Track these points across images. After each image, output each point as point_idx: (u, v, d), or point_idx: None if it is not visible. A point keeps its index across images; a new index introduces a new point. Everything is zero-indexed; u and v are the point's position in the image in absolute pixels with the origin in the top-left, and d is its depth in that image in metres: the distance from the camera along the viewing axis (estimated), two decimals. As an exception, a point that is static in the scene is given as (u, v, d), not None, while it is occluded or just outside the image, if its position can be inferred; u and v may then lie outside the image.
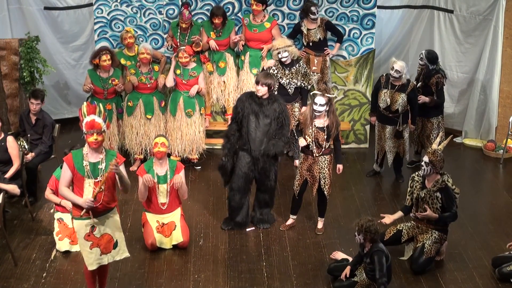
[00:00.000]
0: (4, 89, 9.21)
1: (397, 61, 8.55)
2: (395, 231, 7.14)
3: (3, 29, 9.83)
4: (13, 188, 7.41)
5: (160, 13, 9.62)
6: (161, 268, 6.98)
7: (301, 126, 7.41)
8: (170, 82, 8.95)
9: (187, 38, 9.29)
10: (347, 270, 6.57)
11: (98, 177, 5.80)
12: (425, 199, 6.93)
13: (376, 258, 6.25)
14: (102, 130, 5.79)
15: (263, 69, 9.15)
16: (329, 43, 9.60)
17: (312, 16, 9.30)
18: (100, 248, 5.98)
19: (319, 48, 9.47)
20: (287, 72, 8.76)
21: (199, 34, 9.37)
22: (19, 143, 8.16)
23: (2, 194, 7.02)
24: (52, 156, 8.60)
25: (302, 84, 8.84)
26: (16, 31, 9.95)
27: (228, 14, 9.49)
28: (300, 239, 7.57)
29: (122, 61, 9.20)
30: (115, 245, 6.06)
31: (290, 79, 8.76)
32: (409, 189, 7.13)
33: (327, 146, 7.33)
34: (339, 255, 7.09)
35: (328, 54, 9.52)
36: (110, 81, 8.86)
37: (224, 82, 9.58)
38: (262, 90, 7.34)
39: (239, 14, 9.67)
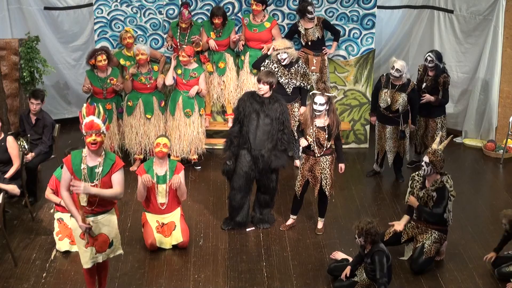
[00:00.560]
0: (4, 89, 9.21)
1: (398, 61, 8.54)
2: (394, 232, 7.13)
3: (3, 29, 9.83)
4: (13, 188, 7.42)
5: (160, 13, 9.62)
6: (161, 268, 6.98)
7: (302, 127, 7.40)
8: (169, 81, 8.94)
9: (187, 38, 9.29)
10: (348, 270, 6.57)
11: (94, 181, 5.77)
12: (423, 198, 6.93)
13: (377, 258, 6.25)
14: (101, 131, 5.76)
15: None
16: (327, 43, 9.60)
17: (309, 16, 9.30)
18: (96, 248, 5.99)
19: (317, 47, 9.47)
20: (286, 72, 8.76)
21: (199, 34, 9.37)
22: (19, 143, 8.16)
23: (2, 194, 7.02)
24: (52, 156, 8.60)
25: (302, 84, 8.84)
26: (16, 31, 9.95)
27: (228, 14, 9.48)
28: (300, 239, 7.57)
29: (122, 62, 9.20)
30: (110, 245, 6.06)
31: (289, 79, 8.76)
32: (409, 189, 7.13)
33: (328, 146, 7.33)
34: (339, 255, 7.09)
35: (326, 53, 9.53)
36: (108, 81, 8.86)
37: (224, 82, 9.58)
38: (263, 89, 7.35)
39: (239, 14, 9.67)
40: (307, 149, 7.37)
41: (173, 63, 8.94)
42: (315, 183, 7.43)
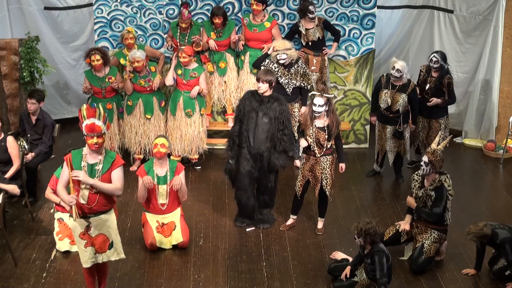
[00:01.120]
0: (4, 89, 9.21)
1: (398, 61, 8.54)
2: (394, 232, 7.14)
3: (3, 29, 9.82)
4: (13, 188, 7.41)
5: (160, 13, 9.62)
6: (161, 268, 6.98)
7: (302, 127, 7.40)
8: (169, 81, 8.94)
9: (187, 38, 9.29)
10: (348, 270, 6.57)
11: (94, 178, 5.79)
12: (422, 198, 6.94)
13: (377, 258, 6.25)
14: (103, 132, 5.80)
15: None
16: (327, 43, 9.60)
17: (310, 16, 9.30)
18: (95, 248, 5.99)
19: (318, 47, 9.47)
20: (286, 72, 8.75)
21: (199, 34, 9.37)
22: (19, 143, 8.16)
23: (2, 194, 7.02)
24: (52, 156, 8.60)
25: (302, 84, 8.83)
26: (16, 31, 9.95)
27: (228, 14, 9.48)
28: (300, 239, 7.57)
29: (122, 61, 9.20)
30: (111, 246, 6.07)
31: (289, 79, 8.75)
32: (412, 190, 7.13)
33: (328, 146, 7.33)
34: (339, 255, 7.09)
35: (326, 53, 9.53)
36: (106, 80, 8.86)
37: (225, 82, 9.58)
38: (263, 87, 7.35)
39: (239, 14, 9.67)
40: (308, 149, 7.38)
41: (174, 62, 8.94)
42: (315, 183, 7.43)
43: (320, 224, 7.74)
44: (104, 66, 8.83)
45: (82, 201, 5.81)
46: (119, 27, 9.59)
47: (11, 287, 6.62)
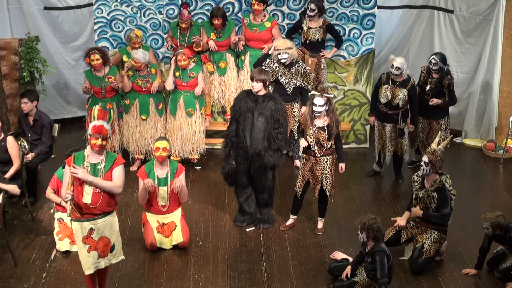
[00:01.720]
0: (4, 89, 9.21)
1: (396, 58, 8.52)
2: (394, 232, 7.14)
3: (3, 29, 9.82)
4: (13, 188, 7.42)
5: (160, 13, 9.62)
6: (161, 268, 6.98)
7: (302, 127, 7.40)
8: (170, 86, 8.94)
9: (187, 38, 9.29)
10: (348, 270, 6.57)
11: (98, 177, 5.81)
12: (423, 199, 6.94)
13: (378, 258, 6.25)
14: (108, 136, 5.84)
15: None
16: (329, 43, 9.59)
17: (309, 13, 9.28)
18: (98, 252, 5.99)
19: (315, 48, 9.47)
20: (286, 71, 8.75)
21: (199, 34, 9.37)
22: (19, 143, 8.17)
23: (2, 194, 7.02)
24: (52, 156, 8.60)
25: (302, 84, 8.83)
26: (16, 31, 9.95)
27: (228, 14, 9.48)
28: (300, 239, 7.57)
29: (125, 58, 9.21)
30: (112, 249, 6.07)
31: (290, 79, 8.75)
32: (412, 191, 7.13)
33: (328, 146, 7.32)
34: (339, 255, 7.10)
35: (323, 56, 9.51)
36: (106, 79, 8.86)
37: (225, 82, 9.58)
38: (257, 86, 7.36)
39: (239, 14, 9.67)
40: (308, 149, 7.37)
41: (172, 66, 8.94)
42: (315, 183, 7.43)
43: (320, 224, 7.74)
44: (103, 66, 8.83)
45: (86, 202, 5.81)
46: (119, 27, 9.59)
47: (11, 287, 6.62)
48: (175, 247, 7.30)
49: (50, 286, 6.65)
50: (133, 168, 9.05)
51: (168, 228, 7.28)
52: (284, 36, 9.53)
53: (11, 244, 7.17)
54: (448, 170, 7.37)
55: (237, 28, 9.61)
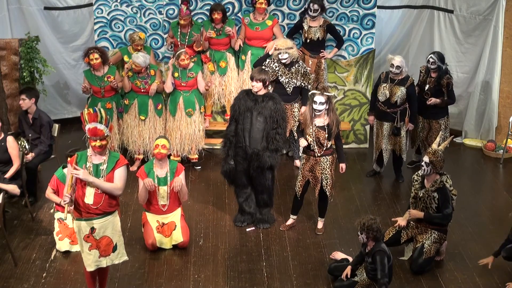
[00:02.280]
0: (4, 89, 9.21)
1: (394, 57, 8.52)
2: (394, 232, 7.14)
3: (3, 29, 9.83)
4: (13, 188, 7.42)
5: (160, 13, 9.62)
6: (161, 268, 6.98)
7: (302, 127, 7.40)
8: (169, 88, 8.95)
9: (187, 38, 9.29)
10: (348, 270, 6.57)
11: (100, 178, 5.81)
12: (423, 199, 6.93)
13: (378, 258, 6.25)
14: (105, 135, 5.81)
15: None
16: (329, 43, 9.59)
17: (310, 13, 9.29)
18: (99, 251, 5.99)
19: (316, 48, 9.47)
20: (286, 71, 8.75)
21: (200, 34, 9.37)
22: (19, 143, 8.17)
23: (2, 194, 7.02)
24: (52, 156, 8.60)
25: (302, 83, 8.83)
26: (16, 31, 9.95)
27: (228, 14, 9.49)
28: (300, 239, 7.57)
29: (126, 58, 9.22)
30: (114, 248, 6.06)
31: (290, 79, 8.75)
32: (412, 191, 7.13)
33: (328, 146, 7.32)
34: (339, 255, 7.09)
35: (323, 56, 9.51)
36: (105, 79, 8.86)
37: (225, 82, 9.58)
38: (256, 86, 7.36)
39: (239, 14, 9.67)
40: (308, 149, 7.37)
41: (171, 69, 8.94)
42: (315, 183, 7.43)
43: (320, 224, 7.74)
44: (102, 65, 8.83)
45: (88, 201, 5.81)
46: (119, 27, 9.59)
47: (11, 287, 6.62)
48: (175, 247, 7.30)
49: (50, 286, 6.65)
50: (133, 168, 9.05)
51: (168, 228, 7.29)
52: (288, 31, 9.55)
53: (11, 244, 7.17)
54: (448, 170, 7.37)
55: (237, 28, 9.60)
